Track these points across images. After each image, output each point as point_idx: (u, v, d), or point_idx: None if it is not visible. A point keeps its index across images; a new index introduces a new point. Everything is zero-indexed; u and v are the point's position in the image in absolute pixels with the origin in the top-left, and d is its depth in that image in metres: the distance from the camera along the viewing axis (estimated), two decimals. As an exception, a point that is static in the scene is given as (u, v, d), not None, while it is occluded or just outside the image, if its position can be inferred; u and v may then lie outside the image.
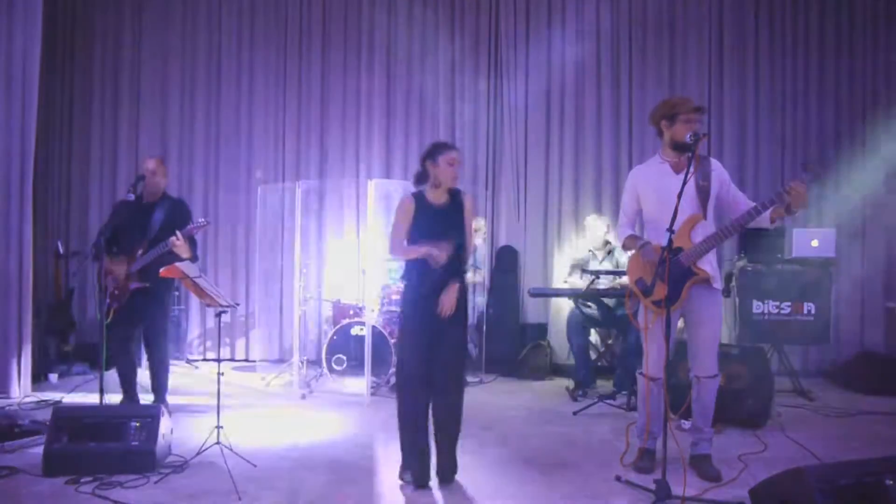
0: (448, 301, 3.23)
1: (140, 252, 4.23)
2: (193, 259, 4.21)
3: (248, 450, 3.68)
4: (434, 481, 3.32)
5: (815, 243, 5.47)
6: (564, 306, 6.02)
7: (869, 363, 5.78)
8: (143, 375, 4.57)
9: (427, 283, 3.26)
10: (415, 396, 3.30)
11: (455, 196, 3.37)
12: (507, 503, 3.12)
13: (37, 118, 5.23)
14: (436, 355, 3.27)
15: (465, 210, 3.37)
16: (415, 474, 3.28)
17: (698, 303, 3.41)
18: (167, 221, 4.31)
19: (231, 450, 3.53)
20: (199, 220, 4.20)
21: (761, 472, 3.33)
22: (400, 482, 3.33)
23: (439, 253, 3.17)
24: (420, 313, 3.29)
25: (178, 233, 4.09)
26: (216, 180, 6.98)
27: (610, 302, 5.55)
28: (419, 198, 3.33)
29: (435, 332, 3.26)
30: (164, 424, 3.56)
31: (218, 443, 3.51)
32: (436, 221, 3.29)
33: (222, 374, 3.64)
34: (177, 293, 6.29)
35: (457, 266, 3.30)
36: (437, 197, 3.33)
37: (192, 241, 4.26)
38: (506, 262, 6.69)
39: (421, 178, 3.37)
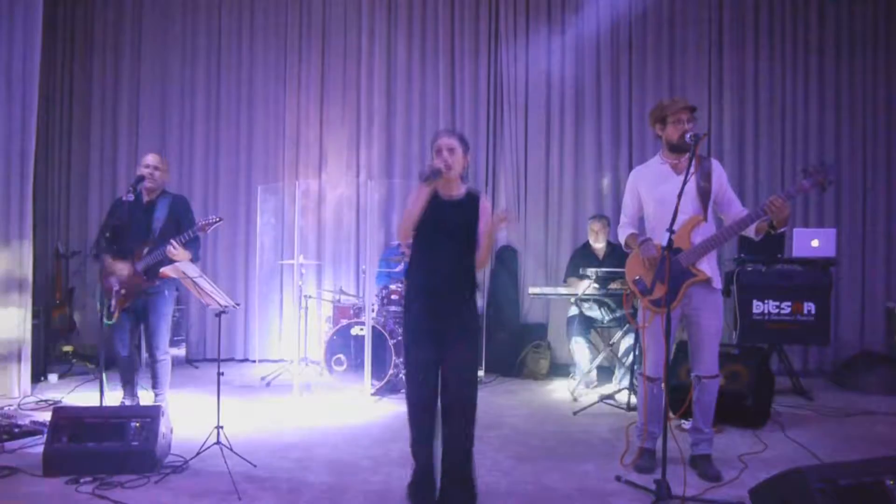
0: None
1: (145, 251, 4.21)
2: (195, 259, 4.19)
3: (248, 450, 3.68)
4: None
5: (815, 243, 5.47)
6: (564, 306, 6.02)
7: (869, 363, 5.78)
8: (143, 375, 4.58)
9: (430, 290, 2.92)
10: (423, 418, 2.92)
11: (471, 195, 3.02)
12: (507, 503, 3.11)
13: (37, 119, 5.23)
14: (442, 373, 2.88)
15: (482, 211, 2.97)
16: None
17: (699, 303, 3.41)
18: (170, 219, 4.28)
19: (231, 450, 3.53)
20: (211, 217, 4.11)
21: (761, 472, 3.33)
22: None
23: (435, 164, 2.86)
24: (423, 325, 2.92)
25: (173, 241, 4.06)
26: (216, 180, 6.99)
27: (610, 302, 5.56)
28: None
29: (441, 344, 2.88)
30: (164, 424, 3.57)
31: (218, 443, 3.51)
32: (444, 214, 2.92)
33: (222, 373, 3.64)
34: (177, 292, 6.31)
35: (468, 275, 2.96)
36: (448, 190, 2.97)
37: (195, 241, 4.24)
38: (506, 262, 6.69)
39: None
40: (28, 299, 5.14)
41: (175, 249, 4.03)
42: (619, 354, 5.56)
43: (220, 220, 4.12)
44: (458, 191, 2.99)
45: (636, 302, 3.63)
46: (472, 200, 2.98)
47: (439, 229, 2.91)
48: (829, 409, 4.92)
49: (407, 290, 3.06)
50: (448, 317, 2.90)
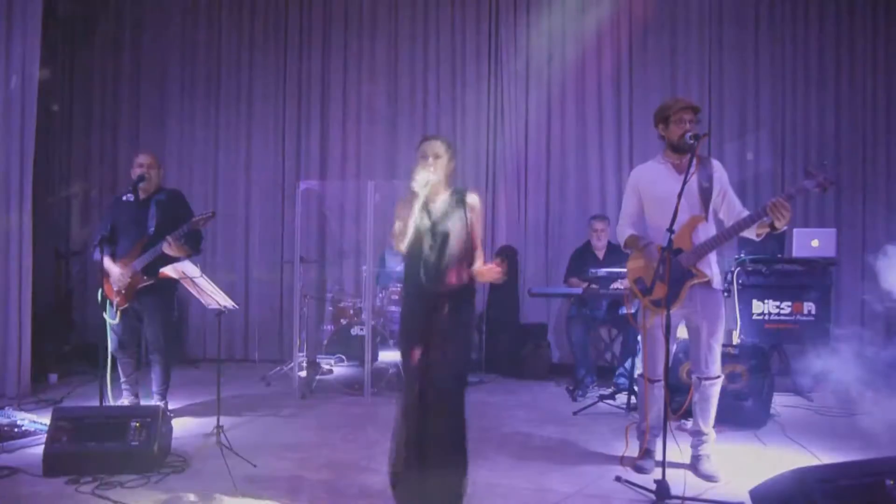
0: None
1: (142, 248, 4.21)
2: (196, 253, 4.20)
3: (248, 450, 3.68)
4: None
5: (815, 243, 5.47)
6: (564, 306, 6.02)
7: (868, 363, 5.77)
8: (144, 374, 4.58)
9: (421, 295, 2.98)
10: (413, 415, 2.98)
11: (457, 194, 3.04)
12: (507, 503, 3.11)
13: (37, 118, 5.23)
14: (433, 370, 2.93)
15: (468, 209, 3.00)
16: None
17: (700, 304, 3.41)
18: (166, 214, 4.28)
19: (231, 450, 3.53)
20: (204, 212, 4.13)
21: (761, 472, 3.33)
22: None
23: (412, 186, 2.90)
24: (419, 324, 2.99)
25: (168, 238, 4.06)
26: (216, 180, 6.98)
27: (610, 302, 5.55)
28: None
29: (432, 341, 2.94)
30: (164, 424, 3.56)
31: (218, 443, 3.51)
32: (431, 217, 2.99)
33: (222, 374, 3.64)
34: (177, 292, 6.32)
35: (460, 274, 3.01)
36: (435, 195, 3.03)
37: (195, 235, 4.24)
38: (506, 262, 6.67)
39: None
40: (28, 299, 5.14)
41: (170, 245, 4.04)
42: (619, 354, 5.55)
43: (213, 215, 4.14)
44: (444, 194, 3.03)
45: (636, 302, 3.62)
46: (458, 201, 3.02)
47: (428, 233, 2.96)
48: (829, 409, 4.92)
49: (403, 293, 3.13)
50: (441, 318, 2.95)
